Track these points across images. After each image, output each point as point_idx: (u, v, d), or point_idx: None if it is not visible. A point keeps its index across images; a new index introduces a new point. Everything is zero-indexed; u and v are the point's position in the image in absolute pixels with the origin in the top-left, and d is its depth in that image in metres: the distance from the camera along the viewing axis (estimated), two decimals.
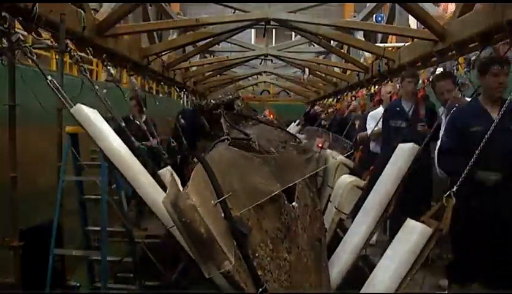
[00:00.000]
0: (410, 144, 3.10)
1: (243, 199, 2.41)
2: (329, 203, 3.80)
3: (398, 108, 4.61)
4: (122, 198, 4.31)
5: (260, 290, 2.16)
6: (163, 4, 8.44)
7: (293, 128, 9.58)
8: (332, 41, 8.45)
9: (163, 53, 6.81)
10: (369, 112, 5.71)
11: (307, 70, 9.91)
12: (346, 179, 3.68)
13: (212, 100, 4.72)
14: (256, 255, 2.30)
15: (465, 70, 3.77)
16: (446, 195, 2.56)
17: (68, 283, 4.28)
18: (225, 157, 2.77)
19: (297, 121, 10.72)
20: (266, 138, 3.91)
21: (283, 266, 2.46)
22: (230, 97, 4.74)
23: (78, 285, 4.31)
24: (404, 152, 3.11)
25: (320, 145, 4.16)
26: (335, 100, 10.29)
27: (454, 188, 2.56)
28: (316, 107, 10.99)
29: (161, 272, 4.20)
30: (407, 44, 5.67)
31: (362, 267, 3.70)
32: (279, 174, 2.98)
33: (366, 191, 3.39)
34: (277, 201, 2.70)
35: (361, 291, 2.62)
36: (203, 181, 2.16)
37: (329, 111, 9.34)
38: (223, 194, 2.13)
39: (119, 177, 4.10)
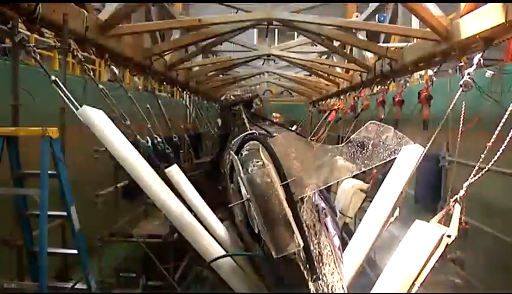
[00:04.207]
0: (415, 146, 3.08)
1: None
2: None
3: None
4: (72, 213, 3.61)
5: (315, 277, 2.21)
6: (165, 4, 8.42)
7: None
8: (334, 42, 8.42)
9: (165, 53, 6.81)
10: None
11: None
12: (349, 182, 3.65)
13: (231, 96, 4.55)
14: None
15: (469, 70, 3.75)
16: (452, 200, 2.52)
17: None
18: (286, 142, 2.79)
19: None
20: None
21: (317, 259, 2.46)
22: (250, 95, 4.57)
23: None
24: (409, 154, 3.10)
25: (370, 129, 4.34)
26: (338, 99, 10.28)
27: (461, 194, 2.52)
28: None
29: (164, 272, 4.19)
30: (410, 44, 5.65)
31: (369, 270, 3.68)
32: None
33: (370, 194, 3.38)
34: (310, 197, 2.75)
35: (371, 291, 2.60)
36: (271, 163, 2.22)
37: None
38: (287, 178, 2.19)
39: (67, 190, 3.51)
